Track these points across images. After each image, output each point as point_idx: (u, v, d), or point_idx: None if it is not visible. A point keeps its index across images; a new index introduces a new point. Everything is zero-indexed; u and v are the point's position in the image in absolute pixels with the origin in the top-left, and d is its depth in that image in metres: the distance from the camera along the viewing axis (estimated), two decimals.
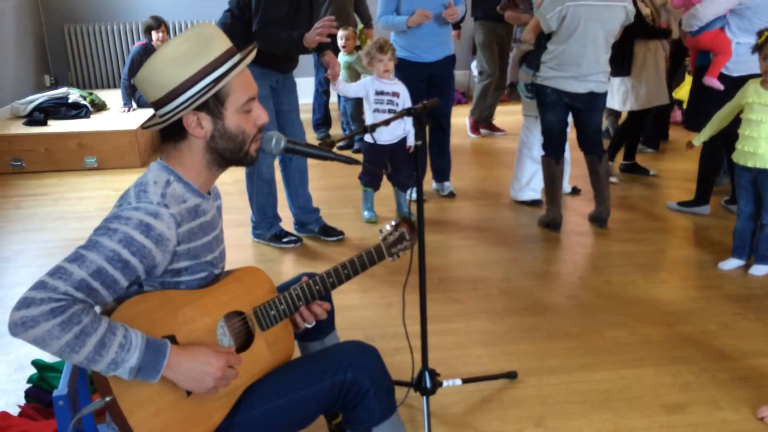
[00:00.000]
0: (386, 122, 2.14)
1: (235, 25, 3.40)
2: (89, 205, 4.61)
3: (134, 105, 6.01)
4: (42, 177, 5.25)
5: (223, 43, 1.55)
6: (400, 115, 2.18)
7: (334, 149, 1.95)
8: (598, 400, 2.47)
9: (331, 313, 1.99)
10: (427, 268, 2.27)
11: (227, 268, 1.75)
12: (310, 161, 3.86)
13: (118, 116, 5.87)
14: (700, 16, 3.89)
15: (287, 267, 3.63)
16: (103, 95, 6.43)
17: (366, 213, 4.26)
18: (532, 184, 4.48)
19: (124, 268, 1.40)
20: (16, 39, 6.61)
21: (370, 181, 4.15)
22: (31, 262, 3.71)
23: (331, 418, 2.11)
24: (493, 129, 6.39)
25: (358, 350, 1.72)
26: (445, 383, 2.41)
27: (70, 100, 5.89)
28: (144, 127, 1.60)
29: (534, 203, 4.48)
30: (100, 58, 7.31)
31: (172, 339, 1.48)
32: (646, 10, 4.60)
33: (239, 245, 3.83)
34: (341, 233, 3.97)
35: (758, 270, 3.45)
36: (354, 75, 5.72)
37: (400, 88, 3.95)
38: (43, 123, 5.57)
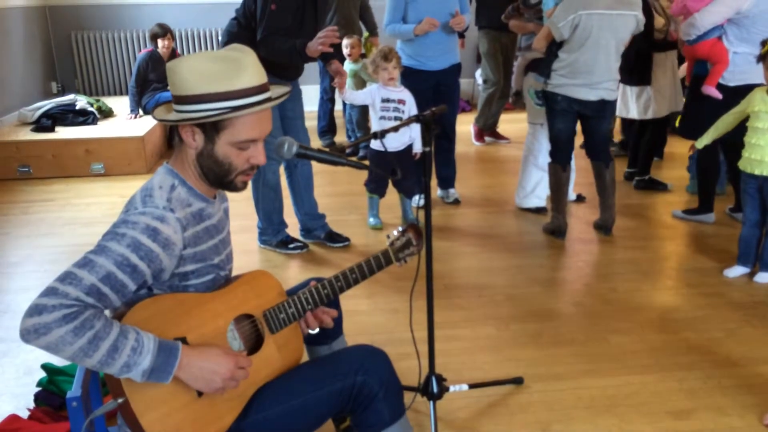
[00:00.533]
0: (395, 128, 2.15)
1: (241, 33, 3.42)
2: (96, 211, 4.64)
3: (141, 112, 6.05)
4: (49, 183, 5.28)
5: (254, 78, 1.52)
6: (409, 121, 2.20)
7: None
8: (604, 406, 2.48)
9: (339, 318, 2.00)
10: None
11: (234, 274, 1.77)
12: (316, 168, 3.88)
13: (125, 123, 5.91)
14: (699, 25, 3.90)
15: (293, 273, 3.65)
16: (110, 102, 6.48)
17: (371, 220, 4.27)
18: (537, 192, 4.50)
19: (132, 272, 1.42)
20: (24, 46, 6.66)
21: (375, 187, 4.17)
22: (39, 267, 3.73)
23: (339, 422, 2.12)
24: (498, 137, 6.41)
25: (367, 354, 1.74)
26: (451, 388, 2.43)
27: (77, 107, 5.94)
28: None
29: (539, 210, 4.49)
30: (106, 66, 7.36)
31: (183, 341, 1.50)
32: (660, 20, 4.60)
33: (245, 251, 3.85)
34: (347, 239, 3.99)
35: (763, 277, 3.46)
36: (359, 83, 5.74)
37: (406, 95, 3.97)
38: (51, 129, 5.61)
